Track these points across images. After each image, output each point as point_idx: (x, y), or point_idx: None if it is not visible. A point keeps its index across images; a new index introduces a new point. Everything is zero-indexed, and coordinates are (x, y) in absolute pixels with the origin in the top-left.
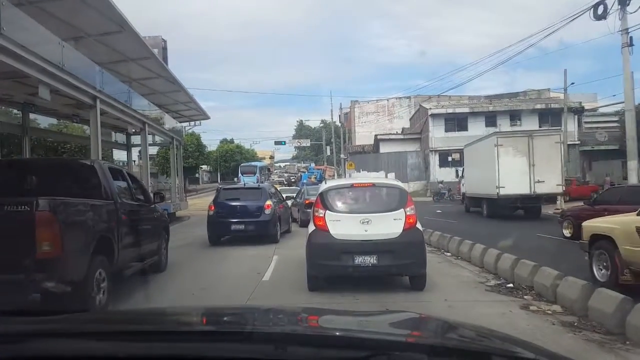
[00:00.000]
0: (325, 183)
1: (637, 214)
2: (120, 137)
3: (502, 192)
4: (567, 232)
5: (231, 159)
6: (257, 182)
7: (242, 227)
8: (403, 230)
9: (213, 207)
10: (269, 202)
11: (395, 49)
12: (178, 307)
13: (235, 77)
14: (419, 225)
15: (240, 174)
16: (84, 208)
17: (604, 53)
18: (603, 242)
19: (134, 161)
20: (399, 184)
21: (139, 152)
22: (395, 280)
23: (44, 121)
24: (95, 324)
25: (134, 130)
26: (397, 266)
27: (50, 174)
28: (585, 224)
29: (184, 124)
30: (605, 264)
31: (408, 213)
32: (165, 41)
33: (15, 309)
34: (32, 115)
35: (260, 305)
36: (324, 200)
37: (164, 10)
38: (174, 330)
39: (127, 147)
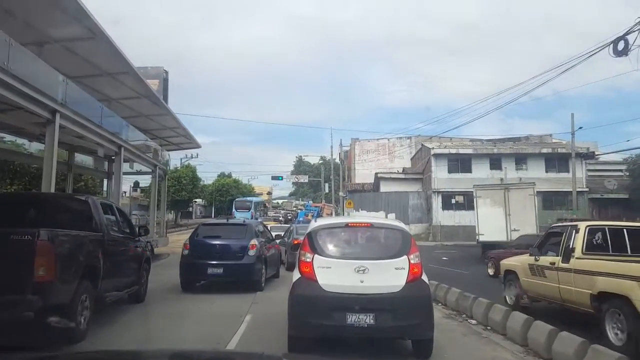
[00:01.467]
0: (315, 221)
1: (529, 255)
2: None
3: (482, 239)
4: (490, 271)
5: (227, 194)
6: (251, 218)
7: (220, 271)
8: (406, 282)
9: (188, 246)
10: (254, 242)
11: (395, 93)
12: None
13: (236, 113)
14: (425, 277)
15: (234, 209)
16: (77, 239)
17: (600, 102)
18: (511, 275)
19: (124, 192)
20: (402, 225)
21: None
22: (396, 345)
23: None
24: None
25: (107, 155)
26: (399, 328)
27: (48, 207)
28: (502, 262)
29: (181, 156)
30: (513, 291)
31: (412, 261)
32: (167, 72)
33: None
34: None
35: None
36: (312, 242)
37: (170, 47)
38: None
39: (107, 174)
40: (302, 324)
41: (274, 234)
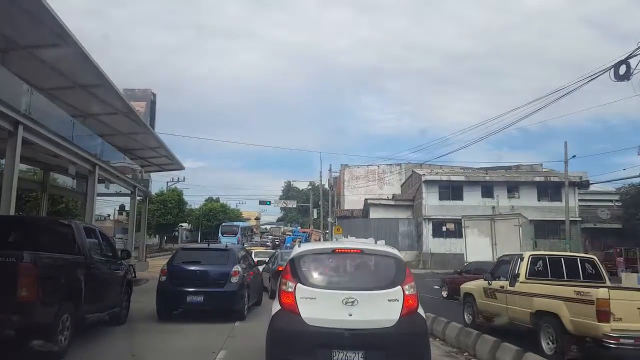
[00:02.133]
0: (299, 246)
1: (483, 279)
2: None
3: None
4: (444, 293)
5: (214, 218)
6: (237, 243)
7: (200, 299)
8: (400, 316)
9: (165, 272)
10: (237, 268)
11: (385, 122)
12: None
13: (226, 138)
14: (421, 311)
15: (220, 234)
16: (59, 262)
17: (587, 134)
18: (469, 297)
19: (108, 215)
20: (395, 252)
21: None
22: None
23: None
24: None
25: (80, 173)
26: None
27: (33, 230)
28: (462, 286)
29: (167, 179)
30: (470, 311)
31: (407, 292)
32: (154, 94)
33: None
34: None
35: None
36: (295, 269)
37: (162, 73)
38: None
39: (86, 195)
40: None
41: (257, 259)
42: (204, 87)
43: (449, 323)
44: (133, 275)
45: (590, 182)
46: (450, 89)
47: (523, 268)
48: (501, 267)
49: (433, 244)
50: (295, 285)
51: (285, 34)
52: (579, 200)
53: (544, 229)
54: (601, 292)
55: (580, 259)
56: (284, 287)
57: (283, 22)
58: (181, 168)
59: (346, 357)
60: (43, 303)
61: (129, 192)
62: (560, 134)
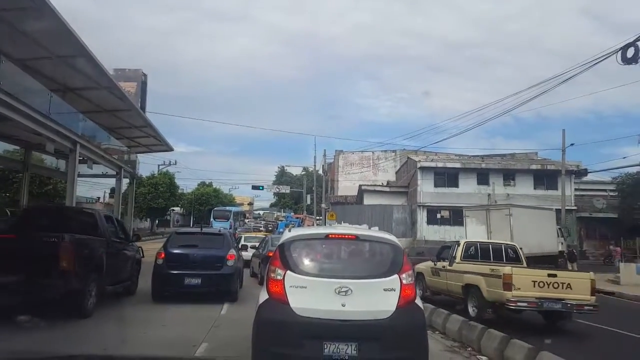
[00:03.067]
0: (290, 231)
1: (431, 260)
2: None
3: None
4: None
5: (207, 203)
6: (230, 228)
7: (197, 281)
8: (397, 307)
9: (163, 255)
10: (232, 252)
11: (381, 109)
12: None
13: (220, 124)
14: (419, 301)
15: (212, 219)
16: (88, 242)
17: (580, 125)
18: (420, 276)
19: (98, 198)
20: (392, 238)
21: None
22: None
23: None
24: None
25: (59, 151)
26: None
27: (67, 217)
28: (416, 266)
29: (158, 162)
30: (421, 287)
31: (405, 282)
32: (145, 75)
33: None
34: None
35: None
36: (284, 256)
37: (157, 55)
38: None
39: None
40: (268, 355)
41: (249, 244)
42: (198, 71)
43: (449, 315)
44: (141, 255)
45: (588, 170)
46: (447, 77)
47: (459, 252)
48: (444, 251)
49: (427, 231)
50: (285, 273)
51: (282, 19)
52: (575, 189)
53: None
54: (506, 270)
55: (504, 246)
56: (272, 275)
57: (280, 7)
58: (170, 149)
59: (338, 349)
60: (77, 273)
61: (115, 172)
62: (555, 124)
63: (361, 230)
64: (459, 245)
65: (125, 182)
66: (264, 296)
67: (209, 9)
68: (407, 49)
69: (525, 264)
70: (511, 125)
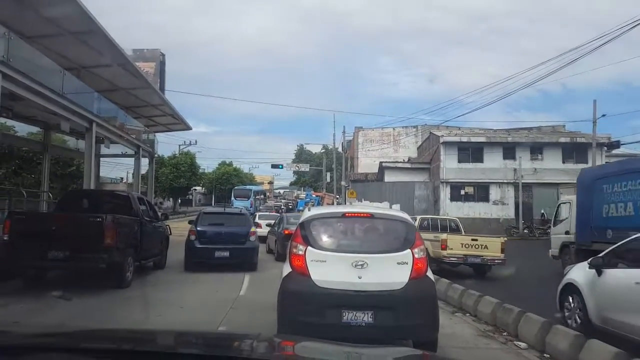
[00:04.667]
0: (309, 210)
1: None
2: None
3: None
4: None
5: (227, 182)
6: (250, 206)
7: (226, 254)
8: (410, 279)
9: (194, 232)
10: (253, 229)
11: (401, 84)
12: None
13: (240, 103)
14: (429, 274)
15: (232, 198)
16: (126, 220)
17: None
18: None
19: (121, 178)
20: (405, 215)
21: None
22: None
23: (22, 129)
24: (88, 341)
25: (75, 130)
26: (400, 328)
27: (105, 199)
28: None
29: (179, 142)
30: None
31: (417, 256)
32: (163, 55)
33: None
34: None
35: (236, 333)
36: (305, 233)
37: (176, 35)
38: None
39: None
40: (293, 323)
41: (265, 222)
42: (217, 51)
43: (481, 297)
44: (169, 232)
45: (621, 142)
46: (468, 49)
47: (416, 224)
48: None
49: (450, 208)
50: (306, 249)
51: None
52: (606, 163)
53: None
54: (443, 236)
55: (448, 220)
56: (294, 250)
57: None
58: (188, 128)
59: (355, 317)
60: (118, 248)
61: (133, 151)
62: (581, 96)
63: (377, 209)
64: (415, 219)
65: (145, 162)
66: (287, 269)
67: None
68: (427, 22)
69: (463, 233)
70: (536, 98)
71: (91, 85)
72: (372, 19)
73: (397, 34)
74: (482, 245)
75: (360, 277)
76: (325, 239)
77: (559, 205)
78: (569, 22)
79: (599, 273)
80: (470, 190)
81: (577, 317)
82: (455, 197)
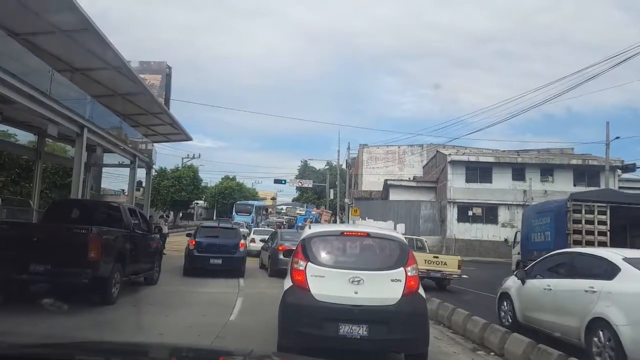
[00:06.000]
0: (310, 228)
1: None
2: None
3: None
4: None
5: (230, 197)
6: (252, 222)
7: (219, 261)
8: (402, 295)
9: (194, 242)
10: (243, 241)
11: (405, 105)
12: (159, 343)
13: (245, 119)
14: (421, 291)
15: (234, 212)
16: (113, 233)
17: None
18: None
19: (122, 190)
20: (399, 236)
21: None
22: (388, 357)
23: (23, 137)
24: (84, 353)
25: (64, 135)
26: (393, 341)
27: (94, 210)
28: None
29: (182, 155)
30: None
31: (410, 274)
32: (170, 68)
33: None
34: None
35: (228, 348)
36: (305, 250)
37: (185, 52)
38: None
39: (86, 165)
40: (292, 334)
41: (259, 237)
42: (222, 68)
43: (488, 326)
44: (163, 247)
45: (637, 166)
46: (473, 72)
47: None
48: None
49: (458, 229)
50: (306, 264)
51: (307, 15)
52: (619, 187)
53: None
54: None
55: (415, 239)
56: (295, 266)
57: (305, 3)
58: (189, 139)
59: (351, 330)
60: (104, 262)
61: (129, 161)
62: (587, 121)
63: (373, 228)
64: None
65: (143, 173)
66: (288, 283)
67: (233, 6)
68: (431, 44)
69: (427, 251)
70: (541, 121)
71: (84, 89)
72: (377, 39)
73: (401, 54)
74: (442, 262)
75: (356, 293)
76: (324, 255)
77: (516, 232)
78: (574, 47)
79: (523, 282)
80: (478, 211)
81: (509, 317)
82: (462, 218)
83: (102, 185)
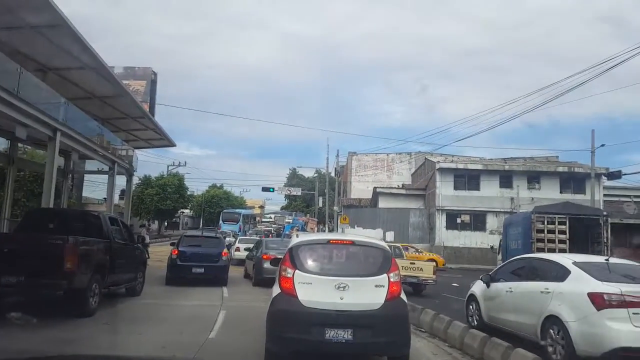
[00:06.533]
0: (297, 237)
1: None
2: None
3: None
4: None
5: (217, 205)
6: (239, 231)
7: (201, 270)
8: (385, 300)
9: (176, 252)
10: (225, 250)
11: (393, 115)
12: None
13: (234, 128)
14: (403, 296)
15: (221, 221)
16: (92, 243)
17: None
18: None
19: (104, 199)
20: (383, 244)
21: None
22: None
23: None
24: None
25: (34, 138)
26: (376, 344)
27: (72, 219)
28: None
29: (167, 163)
30: None
31: (392, 280)
32: (155, 73)
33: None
34: None
35: None
36: (293, 258)
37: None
38: None
39: (63, 172)
40: (281, 339)
41: (244, 246)
42: (212, 77)
43: (489, 341)
44: (147, 256)
45: (623, 172)
46: (457, 84)
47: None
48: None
49: (447, 237)
50: (294, 272)
51: (296, 26)
52: (604, 194)
53: None
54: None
55: (393, 246)
56: (283, 273)
57: (294, 14)
58: (172, 145)
59: (337, 334)
60: (81, 273)
61: (108, 166)
62: (568, 131)
63: (358, 236)
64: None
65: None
66: (276, 290)
67: (224, 16)
68: (418, 56)
69: (405, 257)
70: (524, 131)
71: (59, 90)
72: (365, 51)
73: (389, 66)
74: (418, 267)
75: (342, 298)
76: (311, 263)
77: (500, 240)
78: (555, 60)
79: (488, 286)
80: (466, 218)
81: (476, 318)
82: (451, 225)
83: (85, 194)
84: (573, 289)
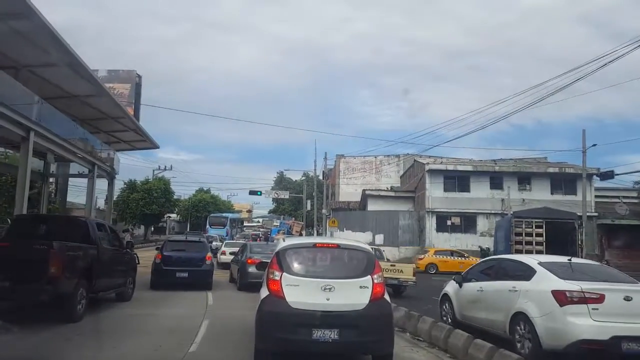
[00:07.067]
0: (284, 240)
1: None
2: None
3: None
4: None
5: (204, 209)
6: (226, 235)
7: (185, 274)
8: (370, 301)
9: (160, 256)
10: (209, 254)
11: (381, 117)
12: None
13: (221, 131)
14: (386, 296)
15: (208, 225)
16: (77, 249)
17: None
18: None
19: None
20: (366, 247)
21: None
22: (357, 359)
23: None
24: None
25: (6, 139)
26: (361, 343)
27: (58, 225)
28: None
29: (153, 167)
30: None
31: (376, 281)
32: (139, 76)
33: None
34: None
35: None
36: (280, 261)
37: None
38: None
39: (43, 176)
40: (269, 339)
41: (229, 250)
42: (199, 80)
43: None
44: (137, 262)
45: (615, 172)
46: (446, 85)
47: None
48: None
49: (437, 239)
50: (281, 274)
51: (283, 29)
52: (595, 195)
53: None
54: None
55: (374, 249)
56: (271, 276)
57: (281, 17)
58: (155, 146)
59: (323, 334)
60: (66, 278)
61: (88, 169)
62: (555, 132)
63: (343, 239)
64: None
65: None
66: (264, 292)
67: (210, 20)
68: (406, 58)
69: (386, 260)
70: (511, 133)
71: (32, 89)
72: (353, 53)
73: (377, 68)
74: (398, 269)
75: (328, 299)
76: (298, 266)
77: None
78: (542, 61)
79: (460, 285)
80: (456, 220)
81: (450, 316)
82: (441, 227)
83: (71, 199)
84: (538, 287)
